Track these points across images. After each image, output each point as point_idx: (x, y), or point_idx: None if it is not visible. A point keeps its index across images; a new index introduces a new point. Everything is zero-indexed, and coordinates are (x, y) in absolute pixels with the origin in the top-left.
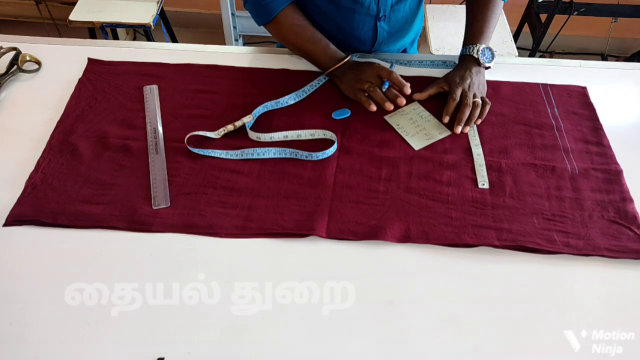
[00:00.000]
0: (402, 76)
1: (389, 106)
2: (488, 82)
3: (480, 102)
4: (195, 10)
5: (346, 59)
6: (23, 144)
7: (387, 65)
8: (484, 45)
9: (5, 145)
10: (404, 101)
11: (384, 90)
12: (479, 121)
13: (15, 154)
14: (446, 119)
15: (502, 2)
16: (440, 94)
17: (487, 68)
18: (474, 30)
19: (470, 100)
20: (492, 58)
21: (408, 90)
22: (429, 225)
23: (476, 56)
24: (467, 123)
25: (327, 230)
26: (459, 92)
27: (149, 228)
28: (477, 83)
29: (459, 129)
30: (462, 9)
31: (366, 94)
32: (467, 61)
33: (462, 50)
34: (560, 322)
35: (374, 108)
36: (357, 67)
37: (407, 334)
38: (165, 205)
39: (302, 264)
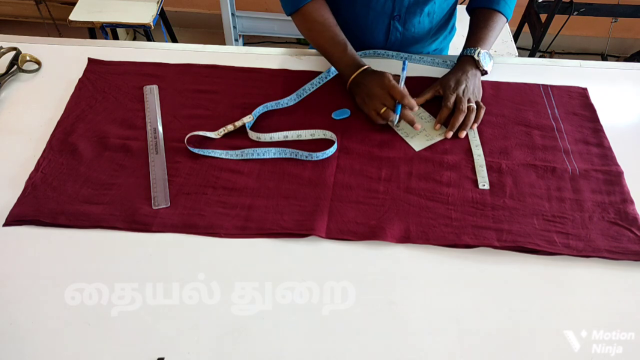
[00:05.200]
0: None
1: (400, 126)
2: (488, 82)
3: (475, 106)
4: (195, 10)
5: (363, 68)
6: (23, 144)
7: (400, 61)
8: (485, 50)
9: (5, 145)
10: (419, 127)
11: (397, 112)
12: (475, 126)
13: (15, 154)
14: (437, 127)
15: (505, 19)
16: (440, 96)
17: (484, 73)
18: (476, 37)
19: (464, 106)
20: (491, 64)
21: (415, 109)
22: (429, 226)
23: (476, 58)
24: (462, 128)
25: (326, 230)
26: (452, 99)
27: (149, 228)
28: (472, 87)
29: (450, 134)
30: (463, 9)
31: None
32: (465, 62)
33: (461, 52)
34: (560, 322)
35: (383, 123)
36: (368, 78)
37: (406, 334)
38: (165, 205)
39: (302, 264)
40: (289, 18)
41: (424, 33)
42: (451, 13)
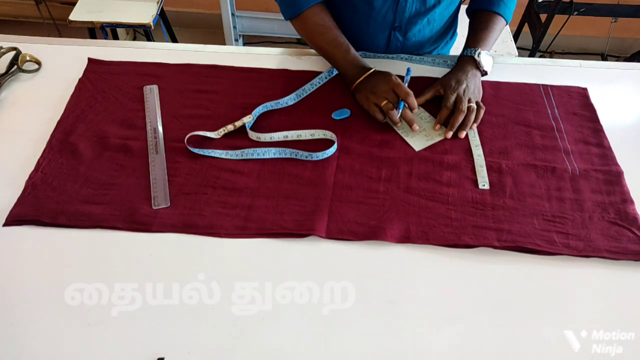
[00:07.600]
0: (402, 76)
1: (400, 126)
2: (489, 82)
3: (475, 107)
4: (195, 10)
5: (371, 71)
6: (23, 144)
7: (404, 69)
8: (485, 51)
9: (5, 145)
10: (417, 128)
11: (399, 108)
12: (474, 126)
13: (15, 154)
14: (437, 127)
15: (505, 22)
16: (440, 96)
17: (484, 73)
18: (476, 38)
19: (464, 106)
20: (491, 64)
21: (415, 111)
22: (429, 226)
23: (477, 58)
24: (462, 128)
25: (326, 231)
26: (452, 99)
27: (148, 228)
28: (473, 87)
29: (449, 134)
30: (463, 11)
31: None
32: (466, 62)
33: (461, 52)
34: (560, 322)
35: (382, 118)
36: (375, 77)
37: (406, 333)
38: (165, 205)
39: (302, 264)
40: None
41: (424, 41)
42: (453, 19)
